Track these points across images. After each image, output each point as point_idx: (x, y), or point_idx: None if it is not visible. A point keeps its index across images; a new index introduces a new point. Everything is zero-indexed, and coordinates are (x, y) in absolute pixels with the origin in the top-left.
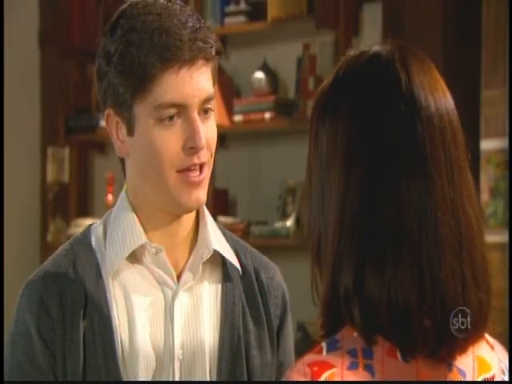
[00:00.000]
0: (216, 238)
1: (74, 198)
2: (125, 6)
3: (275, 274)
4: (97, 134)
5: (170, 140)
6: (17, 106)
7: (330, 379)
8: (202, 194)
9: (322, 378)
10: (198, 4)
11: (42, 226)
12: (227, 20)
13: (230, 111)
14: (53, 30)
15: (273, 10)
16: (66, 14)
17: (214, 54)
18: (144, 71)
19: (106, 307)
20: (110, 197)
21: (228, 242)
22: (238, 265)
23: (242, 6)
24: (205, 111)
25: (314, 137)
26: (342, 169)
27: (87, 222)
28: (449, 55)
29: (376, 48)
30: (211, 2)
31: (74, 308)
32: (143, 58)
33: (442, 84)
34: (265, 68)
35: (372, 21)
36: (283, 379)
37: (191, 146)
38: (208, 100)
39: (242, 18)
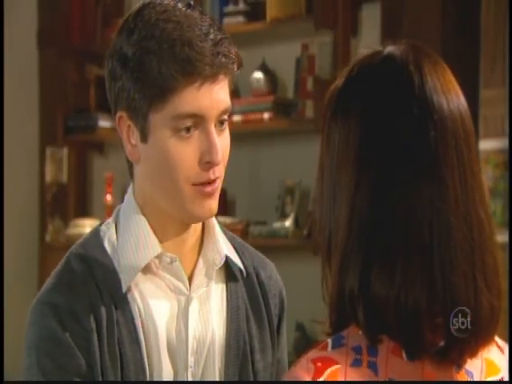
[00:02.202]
0: (225, 243)
1: (73, 198)
2: (142, 4)
3: (272, 271)
4: (96, 134)
5: (186, 153)
6: (15, 106)
7: (333, 376)
8: (214, 205)
9: (325, 374)
10: (197, 4)
11: (41, 226)
12: (226, 20)
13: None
14: (51, 30)
15: (271, 10)
16: (65, 13)
17: (235, 69)
18: (164, 82)
19: (132, 319)
20: (108, 197)
21: (229, 241)
22: (243, 268)
23: (241, 6)
24: (221, 122)
25: (327, 136)
26: (352, 169)
27: (86, 222)
28: (448, 55)
29: (390, 49)
30: (210, 2)
31: (108, 320)
32: (164, 68)
33: (455, 86)
34: (263, 68)
35: (371, 21)
36: (287, 374)
37: (207, 161)
38: (225, 112)
39: (240, 18)
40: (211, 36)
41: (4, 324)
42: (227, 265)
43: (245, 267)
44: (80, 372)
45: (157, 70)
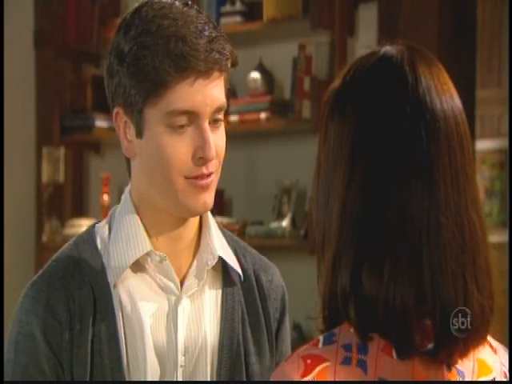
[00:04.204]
0: (220, 244)
1: (70, 198)
2: (140, 3)
3: (274, 275)
4: (92, 134)
5: (179, 148)
6: (12, 106)
7: (322, 374)
8: (209, 198)
9: (314, 372)
10: (193, 3)
11: (37, 226)
12: (223, 20)
13: (225, 111)
14: (48, 30)
15: (268, 10)
16: (61, 13)
17: (229, 66)
18: (158, 77)
19: (113, 315)
20: (105, 197)
21: (228, 243)
22: (240, 271)
23: (238, 6)
24: (215, 121)
25: (324, 135)
26: (345, 167)
27: (82, 222)
28: (444, 56)
29: (386, 49)
30: (207, 2)
31: (83, 314)
32: (158, 63)
33: (450, 87)
34: (260, 68)
35: (367, 21)
36: (277, 369)
37: (200, 156)
38: (220, 110)
39: (237, 18)
40: (206, 33)
41: (4, 324)
42: (225, 267)
43: (244, 270)
44: (50, 366)
45: (151, 64)
